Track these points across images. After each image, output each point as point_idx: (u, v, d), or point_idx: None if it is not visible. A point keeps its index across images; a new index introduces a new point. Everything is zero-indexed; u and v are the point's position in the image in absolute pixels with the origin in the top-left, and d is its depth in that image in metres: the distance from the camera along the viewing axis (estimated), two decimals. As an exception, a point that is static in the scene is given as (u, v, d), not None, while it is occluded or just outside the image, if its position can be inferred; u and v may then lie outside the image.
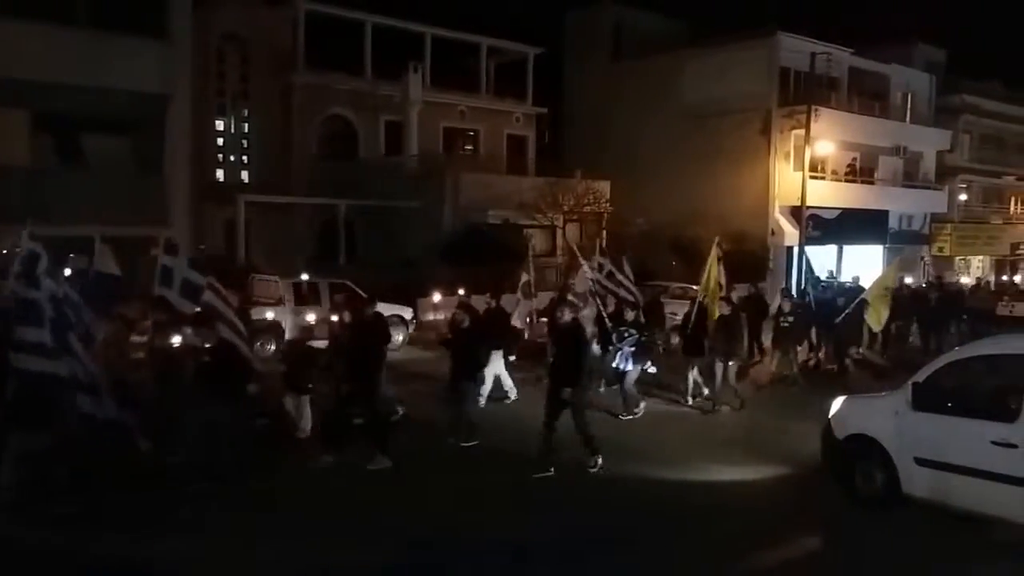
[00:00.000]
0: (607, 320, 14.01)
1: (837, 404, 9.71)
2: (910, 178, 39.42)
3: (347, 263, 25.95)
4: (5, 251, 16.79)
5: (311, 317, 15.05)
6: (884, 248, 37.03)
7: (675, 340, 16.27)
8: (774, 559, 7.68)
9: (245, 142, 29.16)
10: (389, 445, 9.99)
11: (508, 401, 13.48)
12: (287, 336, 17.17)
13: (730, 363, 13.54)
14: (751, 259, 29.45)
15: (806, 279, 19.77)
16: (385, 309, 19.55)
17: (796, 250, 30.20)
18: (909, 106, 39.37)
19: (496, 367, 13.36)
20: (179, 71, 21.15)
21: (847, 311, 16.30)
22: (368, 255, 26.91)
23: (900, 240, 38.28)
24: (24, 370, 8.18)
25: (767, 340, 17.17)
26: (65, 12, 19.35)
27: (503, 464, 10.09)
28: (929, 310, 19.70)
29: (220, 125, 28.70)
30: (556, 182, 28.97)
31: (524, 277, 17.80)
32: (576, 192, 28.95)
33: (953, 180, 42.38)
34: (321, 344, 12.59)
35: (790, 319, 15.81)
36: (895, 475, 8.47)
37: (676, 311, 17.55)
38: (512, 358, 14.02)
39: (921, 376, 8.53)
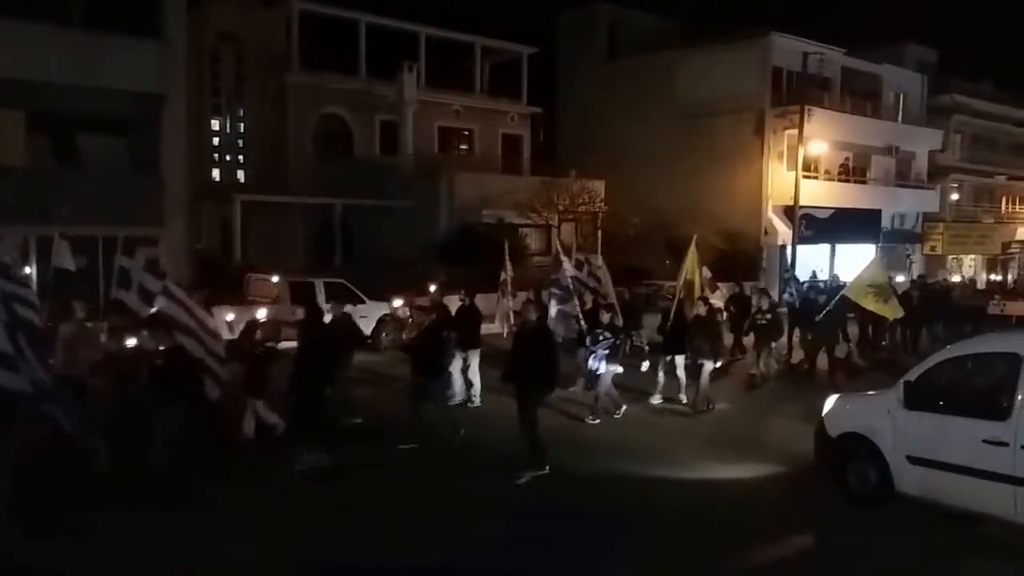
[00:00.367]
0: (583, 320, 13.95)
1: (830, 402, 9.75)
2: (902, 178, 39.68)
3: (343, 262, 25.99)
4: None
5: (261, 314, 14.58)
6: (877, 247, 37.20)
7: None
8: (768, 557, 7.71)
9: (240, 141, 29.19)
10: (323, 448, 9.67)
11: (471, 405, 13.10)
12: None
13: (706, 364, 13.35)
14: (744, 258, 29.63)
15: (786, 278, 19.74)
16: (380, 309, 19.78)
17: (789, 249, 30.46)
18: (901, 106, 39.59)
19: (472, 367, 13.19)
20: (174, 71, 21.16)
21: (827, 309, 16.18)
22: (364, 254, 26.96)
23: (893, 239, 38.51)
24: None
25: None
26: (60, 12, 19.35)
27: (484, 465, 10.01)
28: (911, 309, 19.69)
29: (215, 125, 28.72)
30: (551, 182, 29.06)
31: (503, 275, 17.77)
32: (571, 192, 29.04)
33: (945, 179, 42.70)
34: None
35: (767, 317, 15.74)
36: (888, 473, 8.50)
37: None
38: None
39: (913, 375, 8.59)
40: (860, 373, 17.01)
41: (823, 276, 28.07)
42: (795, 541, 8.17)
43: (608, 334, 12.64)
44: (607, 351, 12.48)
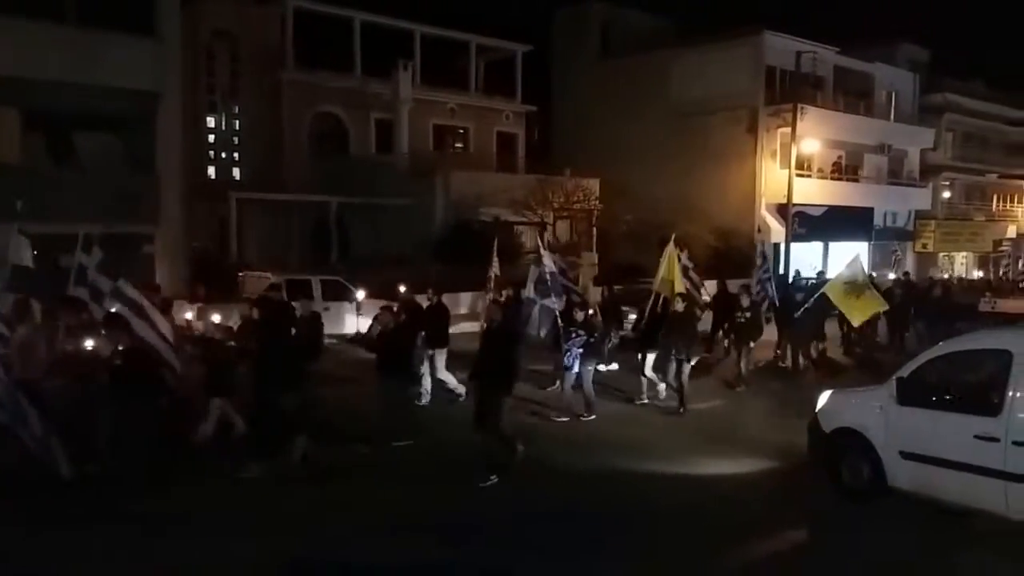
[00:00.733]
0: (559, 318, 13.67)
1: (824, 398, 9.81)
2: (895, 176, 39.89)
3: (339, 260, 26.03)
4: None
5: (216, 317, 14.61)
6: (869, 245, 37.44)
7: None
8: (762, 552, 7.75)
9: (236, 139, 29.22)
10: (268, 454, 9.43)
11: (460, 400, 12.76)
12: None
13: (683, 362, 13.13)
14: (738, 256, 29.78)
15: (764, 277, 19.65)
16: (376, 306, 19.84)
17: (783, 246, 30.59)
18: (893, 105, 39.83)
19: (438, 366, 13.01)
20: (169, 68, 21.17)
21: (805, 306, 16.15)
22: (360, 252, 27.02)
23: (885, 237, 38.73)
24: None
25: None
26: (54, 10, 19.37)
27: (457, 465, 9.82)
28: (893, 307, 19.56)
29: (211, 122, 28.75)
30: (546, 179, 29.14)
31: (489, 272, 17.70)
32: (566, 189, 29.13)
33: (937, 177, 42.90)
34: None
35: (747, 315, 15.54)
36: (880, 468, 8.54)
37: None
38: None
39: (906, 371, 8.64)
40: (841, 371, 17.00)
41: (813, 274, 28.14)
42: (789, 536, 8.21)
43: (582, 332, 12.50)
44: (581, 349, 12.35)
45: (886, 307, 16.37)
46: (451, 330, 13.78)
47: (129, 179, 21.17)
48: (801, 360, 16.69)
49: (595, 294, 17.87)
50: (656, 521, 8.41)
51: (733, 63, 33.54)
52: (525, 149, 35.80)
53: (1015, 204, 48.51)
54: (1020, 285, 26.32)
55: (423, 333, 12.82)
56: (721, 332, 17.38)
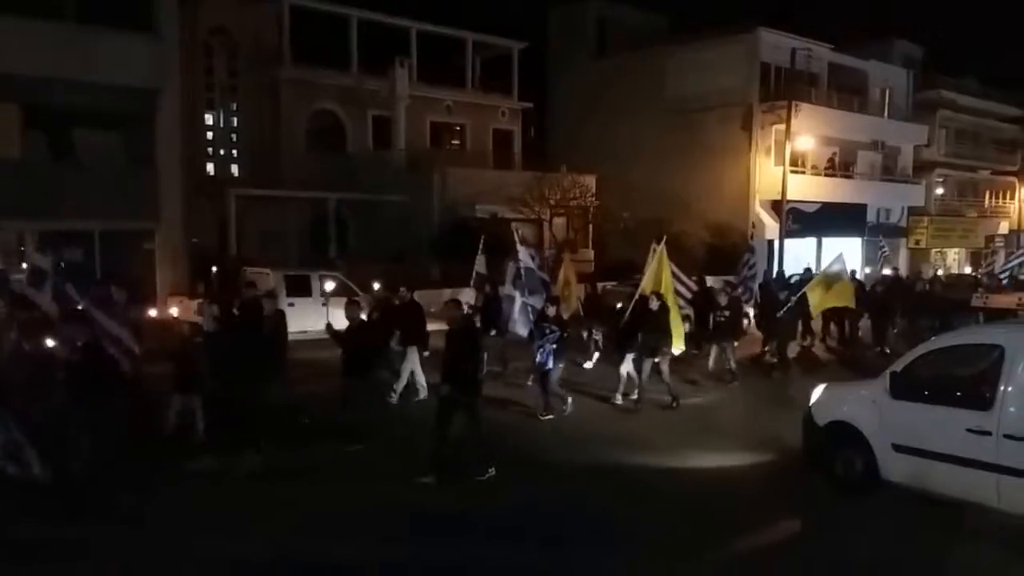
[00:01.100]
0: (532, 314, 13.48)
1: (818, 392, 9.90)
2: (888, 172, 40.04)
3: (338, 256, 26.15)
4: None
5: (175, 311, 13.92)
6: (862, 241, 37.69)
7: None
8: (756, 544, 7.79)
9: (234, 136, 29.26)
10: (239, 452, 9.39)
11: (417, 399, 12.69)
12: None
13: (657, 359, 12.94)
14: (732, 252, 29.96)
15: (750, 275, 19.67)
16: (373, 302, 19.94)
17: (777, 243, 30.80)
18: (887, 101, 39.93)
19: (411, 363, 12.80)
20: (168, 65, 21.30)
21: (788, 304, 16.10)
22: (358, 248, 27.14)
23: (878, 233, 38.84)
24: None
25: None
26: (54, 7, 19.49)
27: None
28: (875, 304, 19.45)
29: (209, 119, 28.77)
30: (542, 176, 29.24)
31: (475, 270, 17.55)
32: (562, 186, 29.22)
33: (930, 174, 43.08)
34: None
35: (726, 314, 15.38)
36: (873, 461, 8.64)
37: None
38: (426, 354, 12.99)
39: (899, 365, 8.74)
40: (821, 368, 17.08)
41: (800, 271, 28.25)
42: (782, 528, 8.25)
43: (555, 328, 12.36)
44: (554, 345, 12.21)
45: (851, 304, 16.49)
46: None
47: (129, 176, 21.30)
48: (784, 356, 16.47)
49: (579, 290, 17.59)
50: (650, 513, 8.49)
51: (728, 60, 33.68)
52: (522, 146, 35.90)
53: (1007, 200, 48.75)
54: (1003, 281, 26.37)
55: (397, 332, 12.65)
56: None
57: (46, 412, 8.91)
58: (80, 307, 10.15)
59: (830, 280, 15.92)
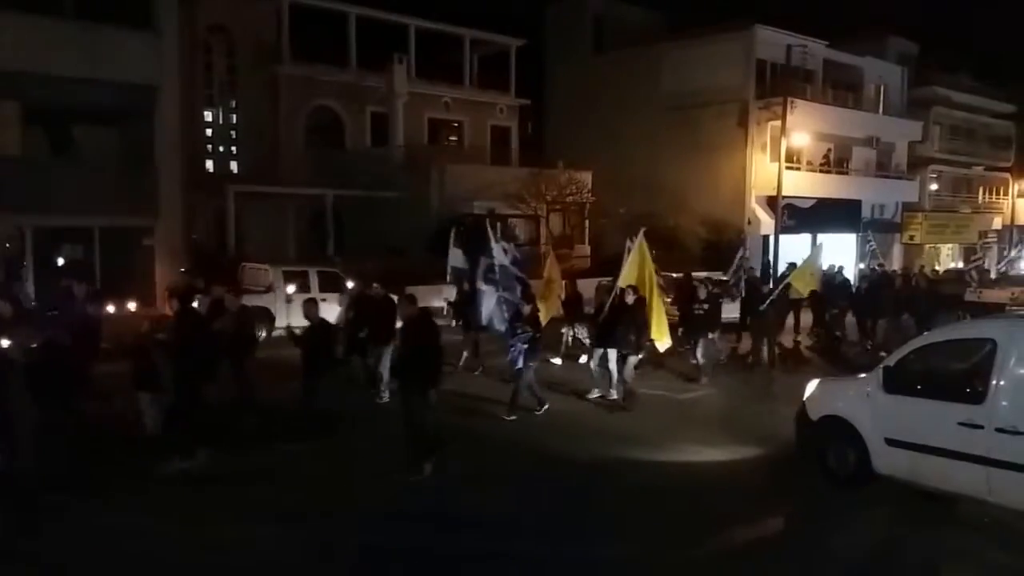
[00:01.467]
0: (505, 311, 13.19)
1: (812, 386, 9.98)
2: (883, 168, 40.19)
3: (336, 252, 26.24)
4: None
5: (132, 307, 13.77)
6: (857, 236, 37.89)
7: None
8: (749, 537, 7.89)
9: (233, 133, 29.27)
10: (190, 453, 9.28)
11: (383, 400, 12.41)
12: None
13: (629, 357, 12.75)
14: (728, 247, 30.13)
15: (745, 266, 19.70)
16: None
17: (772, 239, 30.96)
18: (882, 98, 40.11)
19: (383, 363, 12.56)
20: (167, 62, 21.37)
21: (770, 299, 16.11)
22: (357, 244, 27.24)
23: (872, 229, 39.09)
24: None
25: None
26: (53, 4, 19.55)
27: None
28: (859, 300, 19.54)
29: (208, 116, 28.77)
30: (539, 172, 29.34)
31: (450, 264, 17.38)
32: (559, 182, 29.35)
33: (924, 170, 43.24)
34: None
35: (704, 307, 15.20)
36: (866, 455, 8.70)
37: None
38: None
39: (892, 359, 8.82)
40: (804, 363, 17.18)
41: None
42: (776, 521, 8.35)
43: (527, 327, 12.15)
44: (526, 344, 12.00)
45: (803, 296, 17.11)
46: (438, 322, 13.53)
47: (128, 172, 21.40)
48: (765, 352, 16.37)
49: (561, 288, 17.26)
50: (642, 506, 8.57)
51: (724, 57, 33.81)
52: (519, 142, 35.93)
53: (1001, 196, 48.97)
54: (1001, 270, 26.55)
55: (366, 329, 12.45)
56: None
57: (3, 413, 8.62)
58: (31, 308, 10.04)
59: (811, 279, 16.07)
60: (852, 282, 22.49)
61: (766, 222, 32.74)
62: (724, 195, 33.55)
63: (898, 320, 18.99)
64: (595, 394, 13.43)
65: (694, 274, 19.17)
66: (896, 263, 36.66)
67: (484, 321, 14.11)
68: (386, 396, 12.38)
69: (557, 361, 16.13)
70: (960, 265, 38.43)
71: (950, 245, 45.07)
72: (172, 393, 9.44)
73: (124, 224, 21.04)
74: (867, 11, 58.48)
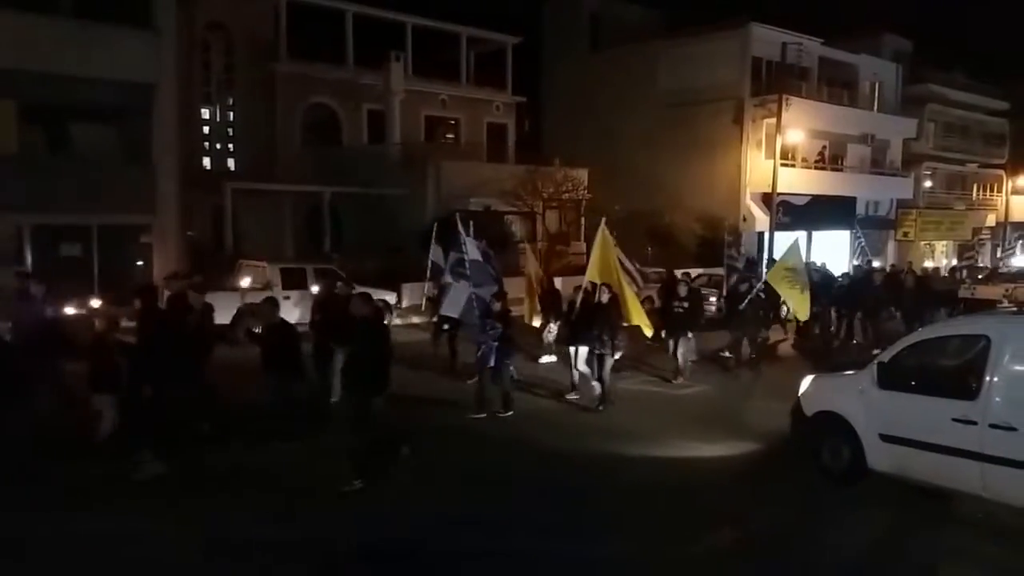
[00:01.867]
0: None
1: (806, 382, 10.03)
2: (877, 165, 40.26)
3: (333, 249, 26.29)
4: None
5: (94, 304, 13.18)
6: (851, 233, 38.03)
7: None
8: (743, 532, 7.84)
9: (230, 130, 29.31)
10: (151, 455, 8.98)
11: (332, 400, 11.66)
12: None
13: (606, 357, 12.48)
14: (723, 245, 30.25)
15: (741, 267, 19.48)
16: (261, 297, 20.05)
17: (767, 236, 31.06)
18: (877, 95, 40.18)
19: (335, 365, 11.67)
20: (165, 60, 21.33)
21: (749, 297, 15.89)
22: (354, 241, 27.29)
23: (867, 226, 39.20)
24: None
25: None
26: (50, 2, 19.53)
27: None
28: (839, 297, 19.29)
29: (206, 114, 28.81)
30: (535, 170, 29.35)
31: (429, 262, 17.24)
32: (555, 179, 29.36)
33: (918, 167, 43.38)
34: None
35: (684, 305, 14.91)
36: (861, 450, 8.74)
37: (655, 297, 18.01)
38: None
39: (887, 356, 8.88)
40: (778, 361, 17.20)
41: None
42: (771, 517, 8.32)
43: (498, 325, 11.85)
44: (496, 342, 11.75)
45: (805, 317, 16.12)
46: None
47: (126, 170, 21.34)
48: (746, 350, 16.15)
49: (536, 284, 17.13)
50: (637, 502, 8.62)
51: (720, 55, 33.91)
52: (515, 140, 36.02)
53: (995, 193, 49.15)
54: (979, 276, 26.64)
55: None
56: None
57: None
58: None
59: (800, 279, 15.29)
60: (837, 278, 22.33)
61: (761, 219, 32.83)
62: (719, 192, 33.63)
63: (879, 317, 19.02)
64: (572, 395, 13.14)
65: (696, 271, 19.05)
66: (891, 260, 36.81)
67: (446, 311, 13.78)
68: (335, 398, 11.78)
69: (550, 359, 15.96)
70: (954, 262, 38.59)
71: (944, 242, 45.23)
72: (133, 394, 9.14)
73: (122, 222, 21.02)
74: (862, 9, 58.62)
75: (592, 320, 12.57)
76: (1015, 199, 48.13)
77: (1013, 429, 7.46)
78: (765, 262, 27.83)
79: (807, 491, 9.02)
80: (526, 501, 8.60)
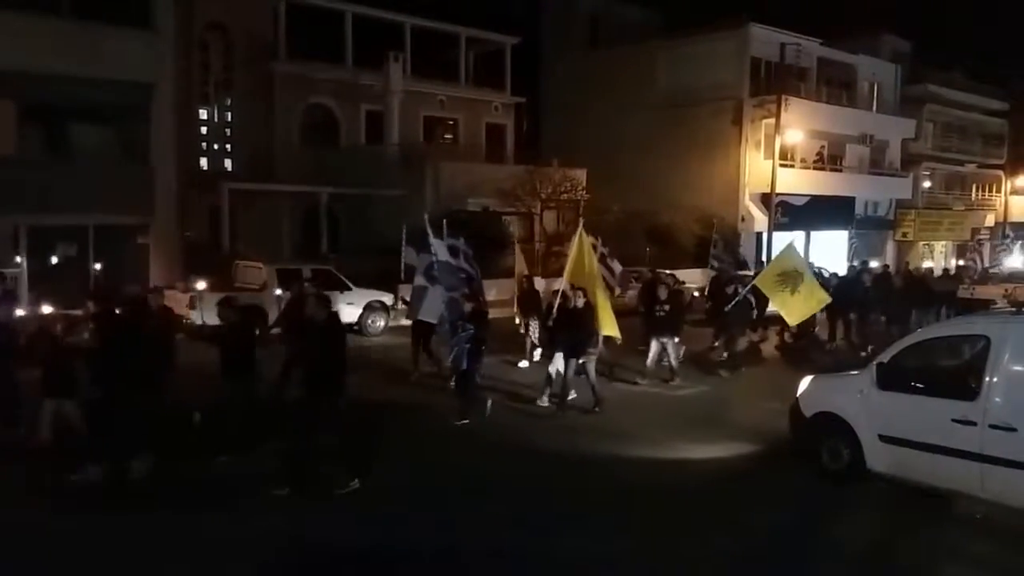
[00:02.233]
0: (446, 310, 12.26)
1: (805, 383, 10.04)
2: (876, 166, 40.31)
3: (330, 250, 26.24)
4: None
5: (47, 309, 12.96)
6: (849, 233, 38.07)
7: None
8: (745, 533, 7.90)
9: (228, 130, 29.26)
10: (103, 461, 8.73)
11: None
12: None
13: (582, 360, 12.33)
14: (719, 245, 30.21)
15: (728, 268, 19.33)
16: (366, 295, 20.15)
17: (766, 236, 31.09)
18: (875, 95, 40.29)
19: None
20: (163, 60, 21.37)
21: (736, 300, 15.76)
22: (351, 242, 27.25)
23: (866, 226, 39.30)
24: None
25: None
26: (49, 2, 19.53)
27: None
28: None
29: (204, 114, 28.74)
30: (534, 170, 29.32)
31: (404, 261, 16.96)
32: (553, 180, 29.33)
33: (917, 167, 43.42)
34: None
35: (665, 308, 14.60)
36: (860, 451, 8.78)
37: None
38: None
39: (886, 356, 8.87)
40: (760, 362, 17.14)
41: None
42: (770, 518, 8.32)
43: (470, 326, 11.60)
44: (467, 344, 11.49)
45: (827, 300, 15.14)
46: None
47: (124, 170, 21.35)
48: (728, 351, 16.05)
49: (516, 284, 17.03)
50: (642, 504, 8.60)
51: (719, 55, 33.95)
52: (514, 140, 35.97)
53: (994, 193, 49.18)
54: (974, 277, 26.60)
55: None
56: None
57: None
58: None
59: (792, 280, 14.57)
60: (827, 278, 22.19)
61: (760, 219, 32.87)
62: (718, 192, 33.66)
63: (868, 319, 18.92)
64: (544, 401, 12.82)
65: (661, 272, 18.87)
66: (890, 260, 36.80)
67: (423, 317, 13.47)
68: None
69: (524, 364, 15.76)
70: (953, 263, 38.61)
71: (943, 242, 45.26)
72: (90, 399, 8.91)
73: (119, 222, 21.01)
74: (862, 9, 58.61)
75: (568, 325, 12.47)
76: (1014, 199, 48.14)
77: (1013, 430, 7.47)
78: (754, 263, 27.89)
79: (806, 492, 9.03)
80: (526, 501, 8.58)
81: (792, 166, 34.22)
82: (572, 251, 13.40)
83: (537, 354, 15.58)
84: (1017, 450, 7.42)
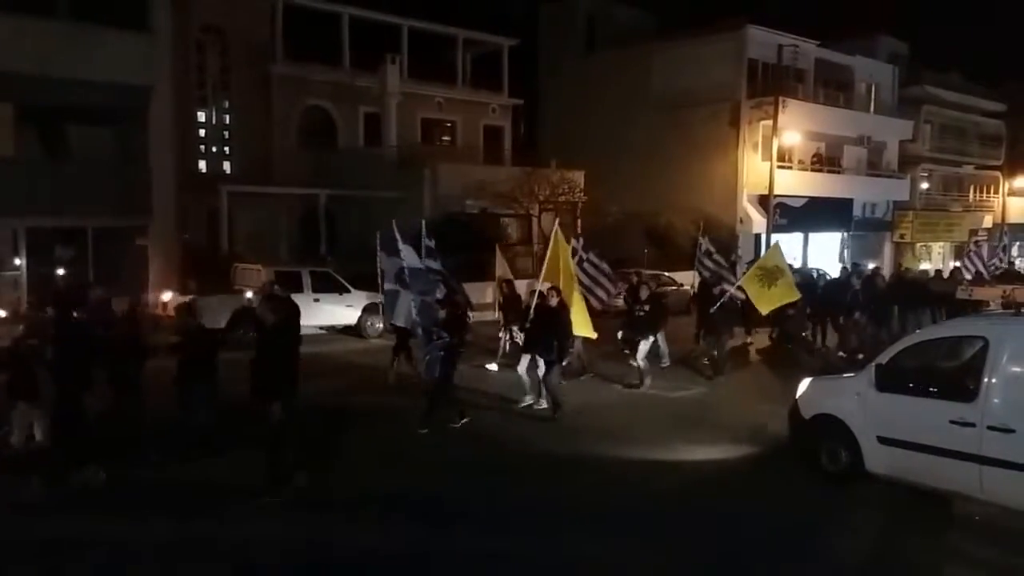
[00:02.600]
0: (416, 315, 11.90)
1: (804, 384, 10.04)
2: (874, 167, 40.33)
3: (328, 252, 26.25)
4: None
5: (2, 313, 12.91)
6: (847, 235, 38.09)
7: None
8: (744, 535, 7.91)
9: (226, 133, 29.28)
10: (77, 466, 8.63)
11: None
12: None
13: (551, 361, 12.20)
14: (720, 246, 30.23)
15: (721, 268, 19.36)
16: (364, 298, 20.14)
17: (764, 237, 31.10)
18: (873, 97, 40.29)
19: None
20: (161, 62, 21.29)
21: (721, 301, 15.78)
22: (349, 244, 27.25)
23: (864, 227, 39.33)
24: None
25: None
26: (46, 4, 19.48)
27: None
28: (814, 301, 18.90)
29: (201, 116, 28.76)
30: (532, 172, 29.35)
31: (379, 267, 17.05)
32: (551, 182, 29.35)
33: (915, 169, 43.41)
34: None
35: (645, 309, 14.57)
36: (858, 453, 8.78)
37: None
38: None
39: (884, 357, 8.87)
40: (747, 365, 17.14)
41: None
42: (769, 520, 8.31)
43: (444, 333, 11.36)
44: (441, 352, 11.25)
45: (796, 296, 15.89)
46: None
47: (121, 172, 21.28)
48: (714, 352, 15.96)
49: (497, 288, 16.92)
50: (641, 505, 8.60)
51: (716, 57, 33.96)
52: (511, 142, 35.99)
53: (991, 195, 49.23)
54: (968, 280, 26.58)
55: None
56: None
57: None
58: None
59: (771, 276, 15.26)
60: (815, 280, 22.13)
61: (758, 221, 32.89)
62: (716, 194, 33.69)
63: (851, 320, 18.89)
64: (525, 402, 12.80)
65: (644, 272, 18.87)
66: (887, 262, 36.85)
67: (395, 321, 13.16)
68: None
69: (493, 367, 15.60)
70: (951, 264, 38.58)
71: (941, 244, 45.29)
72: (53, 403, 8.78)
73: (117, 224, 20.97)
74: (859, 11, 58.80)
75: (541, 325, 12.35)
76: (1012, 200, 48.17)
77: (1011, 431, 7.47)
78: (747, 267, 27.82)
79: (805, 493, 9.02)
80: (525, 501, 8.59)
81: (790, 168, 34.27)
82: (550, 251, 13.35)
83: (495, 366, 15.51)
84: (1015, 451, 7.42)
